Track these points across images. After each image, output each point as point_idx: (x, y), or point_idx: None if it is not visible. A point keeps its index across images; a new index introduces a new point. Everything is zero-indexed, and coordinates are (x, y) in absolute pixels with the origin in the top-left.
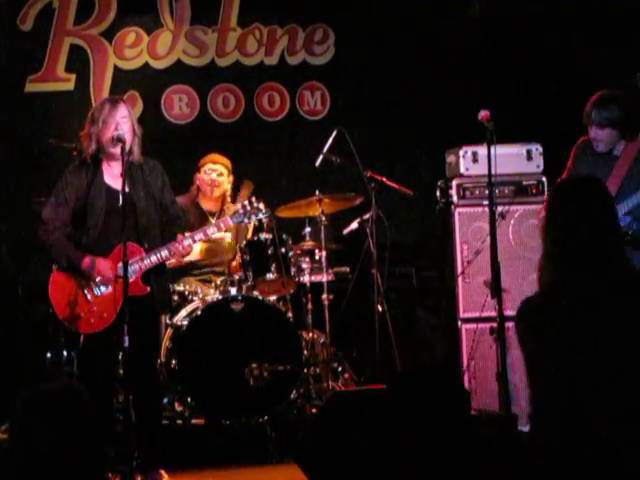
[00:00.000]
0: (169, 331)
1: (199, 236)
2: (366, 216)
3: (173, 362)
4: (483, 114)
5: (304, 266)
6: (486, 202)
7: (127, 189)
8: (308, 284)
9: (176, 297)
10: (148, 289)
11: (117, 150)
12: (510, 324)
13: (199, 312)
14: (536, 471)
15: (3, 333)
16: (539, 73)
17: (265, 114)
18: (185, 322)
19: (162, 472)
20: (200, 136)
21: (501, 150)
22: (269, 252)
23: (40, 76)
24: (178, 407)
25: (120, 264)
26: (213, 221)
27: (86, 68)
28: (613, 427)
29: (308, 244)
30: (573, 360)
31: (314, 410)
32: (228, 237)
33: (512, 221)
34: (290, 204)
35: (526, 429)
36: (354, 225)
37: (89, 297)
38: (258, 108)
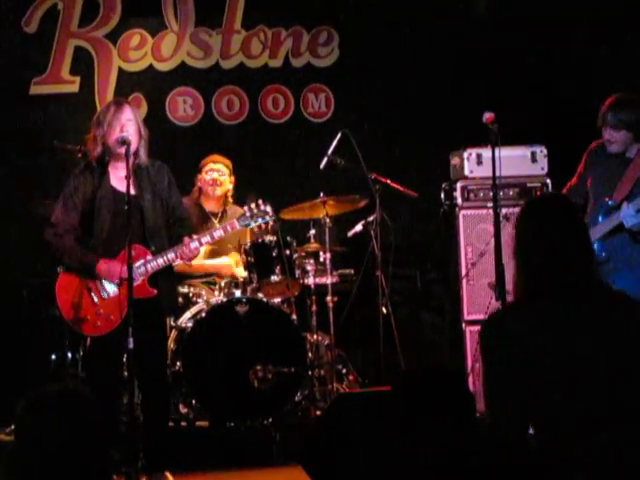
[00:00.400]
0: (173, 333)
1: (206, 239)
2: (370, 218)
3: (177, 364)
4: (487, 116)
5: (308, 268)
6: (490, 204)
7: (133, 192)
8: (312, 286)
9: (180, 299)
10: (155, 292)
11: (122, 152)
12: None
13: (203, 314)
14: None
15: (8, 335)
16: (544, 75)
17: (269, 116)
18: (190, 324)
19: (167, 474)
20: (204, 138)
21: (505, 152)
22: (273, 254)
23: (44, 78)
24: (183, 409)
25: (126, 267)
26: (216, 222)
27: (90, 70)
28: (573, 441)
29: (312, 246)
30: (533, 375)
31: (318, 412)
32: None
33: None
34: (294, 206)
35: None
36: (358, 227)
37: (96, 299)
38: (262, 110)
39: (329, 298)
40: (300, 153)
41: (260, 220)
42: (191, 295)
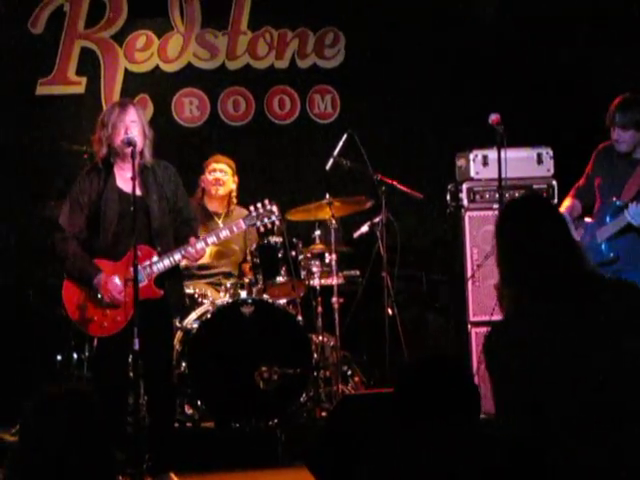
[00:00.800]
0: (179, 334)
1: (212, 239)
2: (376, 219)
3: (183, 365)
4: (493, 118)
5: (314, 269)
6: (496, 206)
7: (139, 192)
8: (318, 287)
9: (186, 300)
10: (161, 292)
11: (128, 153)
12: None
13: (209, 315)
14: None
15: (14, 336)
16: (550, 76)
17: (275, 117)
18: (195, 325)
19: (172, 475)
20: (210, 139)
21: (511, 154)
22: (279, 255)
23: (51, 79)
24: (188, 410)
25: (132, 268)
26: (219, 222)
27: (97, 71)
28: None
29: (318, 247)
30: (540, 386)
31: (324, 413)
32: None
33: None
34: (300, 207)
35: None
36: (364, 228)
37: (102, 300)
38: (268, 111)
39: (335, 299)
40: (306, 154)
41: (266, 220)
42: (197, 296)
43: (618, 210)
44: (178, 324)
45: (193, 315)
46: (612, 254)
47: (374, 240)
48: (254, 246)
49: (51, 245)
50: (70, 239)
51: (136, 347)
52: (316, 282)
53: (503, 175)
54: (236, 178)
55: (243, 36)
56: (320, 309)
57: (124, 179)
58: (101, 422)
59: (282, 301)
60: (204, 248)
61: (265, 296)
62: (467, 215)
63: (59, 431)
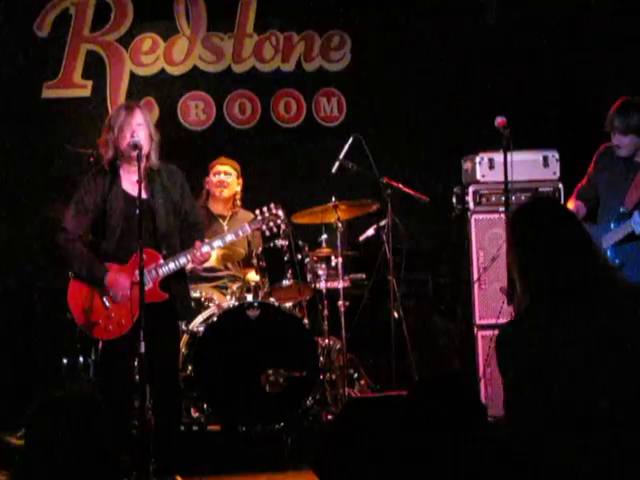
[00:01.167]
0: (185, 337)
1: (218, 243)
2: (382, 223)
3: (189, 368)
4: (499, 120)
5: (320, 272)
6: (502, 208)
7: (145, 196)
8: (324, 290)
9: (192, 303)
10: (166, 296)
11: (134, 156)
12: None
13: (215, 318)
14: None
15: (20, 339)
16: (556, 79)
17: (281, 120)
18: (201, 328)
19: (178, 478)
20: (216, 142)
21: (517, 157)
22: (285, 258)
23: (57, 82)
24: (194, 413)
25: (137, 271)
26: (224, 224)
27: (102, 74)
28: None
29: (324, 250)
30: (553, 383)
31: (330, 417)
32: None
33: None
34: (306, 210)
35: None
36: (370, 232)
37: (107, 304)
38: (274, 114)
39: (341, 302)
40: (312, 157)
41: (272, 224)
42: (202, 299)
43: (622, 217)
44: (184, 327)
45: (199, 318)
46: (617, 260)
47: (380, 243)
48: (260, 249)
49: (56, 247)
50: (74, 240)
51: (142, 350)
52: (322, 285)
53: (509, 178)
54: (240, 180)
55: (249, 39)
56: (326, 312)
57: (130, 182)
58: (107, 425)
59: (288, 304)
60: (210, 252)
61: (271, 299)
62: (473, 218)
63: (65, 434)
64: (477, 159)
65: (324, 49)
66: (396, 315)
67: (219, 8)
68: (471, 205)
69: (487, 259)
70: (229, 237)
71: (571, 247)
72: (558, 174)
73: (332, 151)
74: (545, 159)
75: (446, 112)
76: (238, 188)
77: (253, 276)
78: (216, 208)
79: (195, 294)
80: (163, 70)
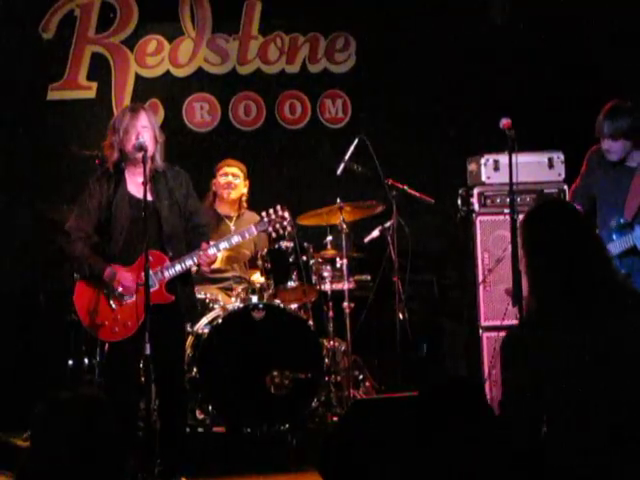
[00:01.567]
0: (190, 339)
1: (224, 245)
2: (387, 224)
3: (194, 370)
4: (504, 122)
5: (325, 274)
6: (507, 210)
7: (151, 198)
8: (329, 292)
9: (198, 305)
10: (172, 298)
11: (139, 158)
12: None
13: (220, 320)
14: None
15: (25, 341)
16: (561, 80)
17: (286, 122)
18: (206, 330)
19: None
20: (221, 144)
21: (522, 158)
22: (290, 260)
23: (62, 84)
24: (199, 415)
25: (143, 273)
26: (230, 224)
27: (108, 76)
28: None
29: (329, 252)
30: (556, 385)
31: (335, 418)
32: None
33: None
34: (311, 212)
35: None
36: (375, 233)
37: (113, 306)
38: (279, 116)
39: (346, 304)
40: (317, 159)
41: (278, 226)
42: (207, 301)
43: (624, 228)
44: (189, 329)
45: (204, 320)
46: (623, 270)
47: (385, 245)
48: (265, 251)
49: (60, 250)
50: (76, 241)
51: (147, 352)
52: (327, 287)
53: (514, 180)
54: (247, 182)
55: (254, 41)
56: (331, 314)
57: (135, 184)
58: (112, 427)
59: (293, 306)
60: (216, 254)
61: (276, 301)
62: (478, 220)
63: (70, 436)
64: (482, 161)
65: (329, 51)
66: (401, 316)
67: (224, 10)
68: (476, 207)
69: (492, 261)
70: (235, 239)
71: (581, 251)
72: (563, 175)
73: (337, 153)
74: (550, 161)
75: (451, 113)
76: (245, 190)
77: (258, 277)
78: (223, 209)
79: (200, 295)
80: (168, 72)
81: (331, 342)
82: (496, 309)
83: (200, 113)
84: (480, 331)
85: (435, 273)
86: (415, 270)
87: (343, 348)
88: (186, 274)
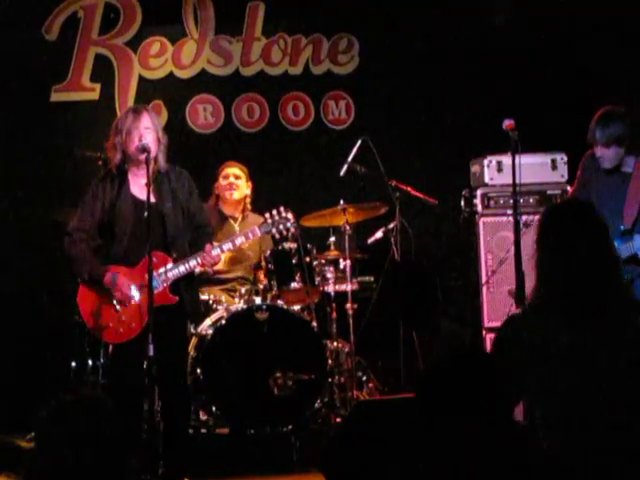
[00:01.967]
0: (194, 340)
1: (227, 246)
2: (390, 225)
3: (197, 371)
4: (507, 123)
5: (328, 275)
6: (510, 211)
7: (154, 199)
8: (332, 293)
9: (201, 306)
10: (176, 299)
11: (143, 159)
12: None
13: (223, 321)
14: None
15: (28, 342)
16: (564, 81)
17: (290, 123)
18: (210, 331)
19: None
20: (225, 145)
21: (526, 159)
22: (293, 261)
23: (65, 86)
24: (203, 416)
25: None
26: (235, 225)
27: (111, 78)
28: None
29: (332, 253)
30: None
31: (338, 419)
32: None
33: None
34: (314, 213)
35: None
36: (378, 234)
37: (117, 307)
38: (283, 117)
39: (349, 305)
40: (320, 160)
41: (281, 227)
42: (211, 302)
43: (625, 235)
44: (192, 330)
45: (207, 321)
46: (627, 275)
47: (388, 246)
48: (268, 252)
49: (63, 252)
50: (78, 243)
51: (151, 353)
52: (330, 288)
53: (517, 181)
54: (250, 183)
55: (257, 42)
56: (334, 315)
57: (138, 186)
58: (116, 428)
59: (296, 307)
60: (219, 255)
61: (279, 302)
62: (481, 221)
63: (74, 438)
64: (485, 162)
65: (332, 52)
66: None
67: (227, 11)
68: (479, 208)
69: (495, 262)
70: (239, 240)
71: (592, 255)
72: (566, 177)
73: (340, 154)
74: (553, 162)
75: (454, 114)
76: (248, 191)
77: (262, 279)
78: (227, 210)
79: (204, 297)
80: (171, 73)
81: (334, 343)
82: (499, 310)
83: (203, 114)
84: (484, 332)
85: (438, 274)
86: (418, 271)
87: (346, 349)
88: (190, 275)
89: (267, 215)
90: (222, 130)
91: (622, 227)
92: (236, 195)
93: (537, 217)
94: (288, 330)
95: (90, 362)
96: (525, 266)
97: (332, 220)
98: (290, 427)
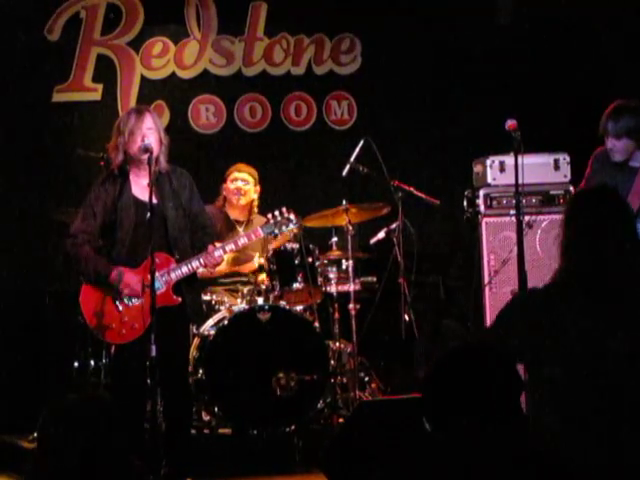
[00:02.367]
0: (196, 340)
1: (230, 247)
2: (393, 226)
3: (200, 372)
4: (510, 123)
5: (331, 276)
6: (513, 212)
7: (155, 200)
8: (335, 294)
9: (204, 307)
10: (179, 300)
11: (145, 160)
12: None
13: (226, 322)
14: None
15: (30, 343)
16: (567, 82)
17: (292, 124)
18: (212, 331)
19: None
20: (227, 146)
21: (528, 160)
22: (296, 262)
23: (67, 86)
24: (205, 416)
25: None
26: (241, 230)
27: (113, 78)
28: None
29: (335, 253)
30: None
31: (341, 420)
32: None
33: (539, 231)
34: (317, 214)
35: None
36: (381, 235)
37: (120, 308)
38: (285, 118)
39: (351, 305)
40: (322, 160)
41: (284, 228)
42: (213, 302)
43: None
44: (195, 330)
45: (210, 321)
46: None
47: (391, 246)
48: (271, 252)
49: (66, 254)
50: (81, 244)
51: (153, 354)
52: (333, 288)
53: (520, 181)
54: (258, 187)
55: (259, 42)
56: (337, 315)
57: (140, 186)
58: (119, 429)
59: (299, 307)
60: (222, 255)
61: (282, 302)
62: (484, 221)
63: (77, 438)
64: (488, 162)
65: (334, 52)
66: (407, 318)
67: (229, 11)
68: (482, 208)
69: (498, 262)
70: (241, 241)
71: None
72: (569, 177)
73: (343, 154)
74: (556, 162)
75: (457, 115)
76: (255, 195)
77: (264, 279)
78: (233, 214)
79: (206, 297)
80: (174, 74)
81: (337, 344)
82: None
83: (205, 115)
84: None
85: (441, 274)
86: (421, 272)
87: (349, 349)
88: (192, 276)
89: (269, 216)
90: (224, 130)
91: None
92: (243, 200)
93: (540, 217)
94: (290, 330)
95: (92, 363)
96: (527, 266)
97: (334, 220)
98: (292, 427)
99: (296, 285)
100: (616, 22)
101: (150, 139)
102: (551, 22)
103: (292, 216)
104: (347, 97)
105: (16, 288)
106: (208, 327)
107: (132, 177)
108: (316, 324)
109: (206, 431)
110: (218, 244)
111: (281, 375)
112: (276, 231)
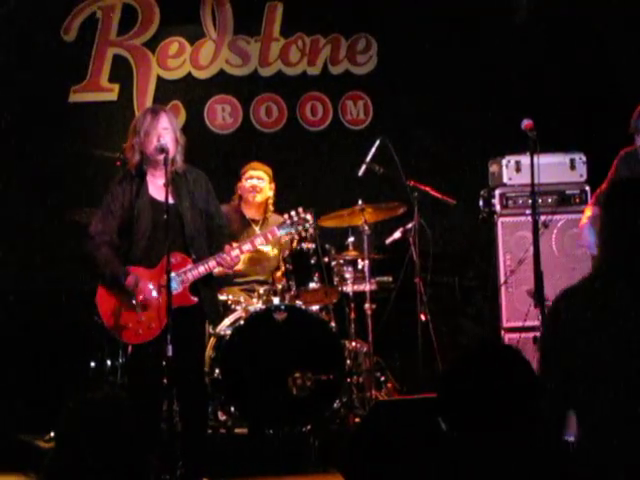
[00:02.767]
0: (212, 340)
1: (247, 247)
2: (409, 225)
3: (216, 371)
4: (526, 123)
5: (347, 275)
6: (529, 211)
7: (172, 200)
8: (351, 293)
9: (220, 307)
10: (196, 300)
11: (161, 160)
12: None
13: (242, 322)
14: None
15: (47, 342)
16: (583, 82)
17: (308, 124)
18: (228, 331)
19: None
20: (243, 146)
21: (544, 159)
22: (312, 262)
23: (84, 86)
24: (221, 416)
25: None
26: (256, 228)
27: (129, 78)
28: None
29: (351, 253)
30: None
31: (357, 419)
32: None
33: (555, 230)
34: (333, 214)
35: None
36: (397, 234)
37: (138, 308)
38: (301, 118)
39: (367, 305)
40: (338, 160)
41: (300, 227)
42: (229, 302)
43: None
44: (211, 330)
45: (226, 321)
46: None
47: (407, 246)
48: (287, 252)
49: (86, 255)
50: (101, 245)
51: (169, 353)
52: (349, 288)
53: (536, 181)
54: (273, 185)
55: (275, 42)
56: (353, 315)
57: (156, 187)
58: (135, 429)
59: (315, 307)
60: (239, 255)
61: (298, 302)
62: (500, 221)
63: (94, 438)
64: (504, 162)
65: (350, 52)
66: (423, 318)
67: (245, 12)
68: (498, 208)
69: (514, 262)
70: (258, 241)
71: None
72: (585, 177)
73: (359, 154)
74: (572, 162)
75: (473, 114)
76: (271, 193)
77: (281, 279)
78: (249, 212)
79: (222, 297)
80: (190, 74)
81: (353, 343)
82: (518, 310)
83: (221, 115)
84: (502, 332)
85: (457, 274)
86: (437, 271)
87: (365, 349)
88: (209, 276)
89: (286, 216)
90: (240, 130)
91: None
92: (258, 198)
93: (556, 217)
94: (306, 330)
95: (109, 362)
96: (543, 266)
97: (350, 220)
98: (309, 427)
99: (312, 285)
100: (633, 22)
101: (166, 139)
102: (567, 22)
103: (308, 216)
104: (363, 97)
105: (33, 288)
106: (224, 327)
107: (149, 177)
108: (332, 324)
109: (222, 431)
110: (235, 244)
111: (297, 375)
112: (292, 231)
